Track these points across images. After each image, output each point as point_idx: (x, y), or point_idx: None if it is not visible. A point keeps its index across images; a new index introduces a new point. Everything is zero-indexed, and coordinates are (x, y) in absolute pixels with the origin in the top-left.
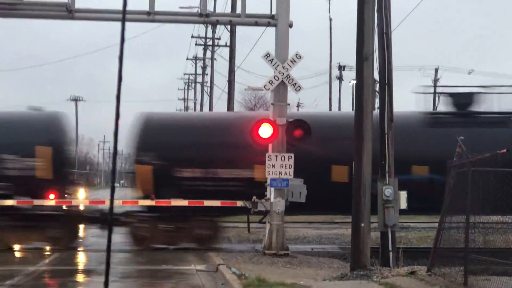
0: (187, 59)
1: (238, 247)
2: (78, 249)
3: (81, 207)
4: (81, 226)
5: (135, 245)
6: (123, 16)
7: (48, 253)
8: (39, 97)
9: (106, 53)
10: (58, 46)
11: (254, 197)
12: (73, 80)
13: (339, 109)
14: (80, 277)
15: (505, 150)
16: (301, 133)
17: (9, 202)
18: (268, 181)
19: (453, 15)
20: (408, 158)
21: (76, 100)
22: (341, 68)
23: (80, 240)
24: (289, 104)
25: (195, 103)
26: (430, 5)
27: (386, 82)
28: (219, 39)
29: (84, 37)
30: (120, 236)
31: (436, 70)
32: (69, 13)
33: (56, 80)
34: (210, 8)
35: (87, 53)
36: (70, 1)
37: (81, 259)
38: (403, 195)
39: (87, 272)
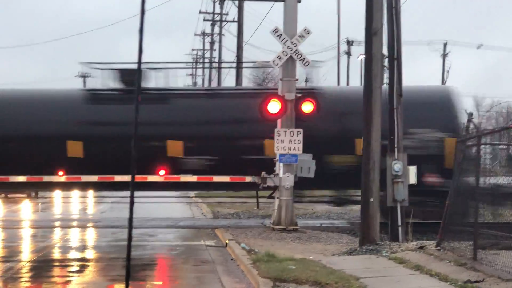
0: (195, 34)
1: (247, 222)
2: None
3: None
4: None
5: None
6: None
7: None
8: (53, 73)
9: (113, 29)
10: (71, 22)
11: (263, 173)
12: (84, 55)
13: (347, 84)
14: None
15: None
16: (310, 108)
17: None
18: (277, 157)
19: None
20: None
21: (84, 76)
22: (350, 43)
23: None
24: (297, 79)
25: (203, 79)
26: None
27: (395, 56)
28: (227, 14)
29: (94, 12)
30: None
31: (445, 45)
32: None
33: (69, 55)
34: None
35: (97, 28)
36: None
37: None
38: (412, 170)
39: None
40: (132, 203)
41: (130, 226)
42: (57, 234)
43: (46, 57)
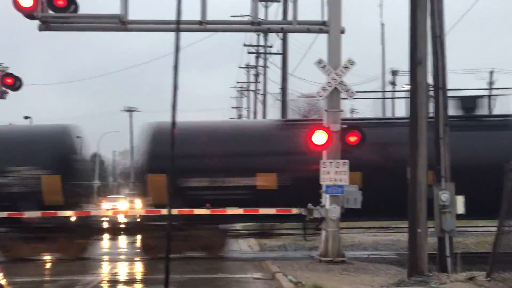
0: (239, 67)
1: (294, 254)
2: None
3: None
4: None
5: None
6: (178, 25)
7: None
8: (98, 107)
9: (160, 63)
10: (113, 56)
11: (310, 204)
12: (129, 90)
13: (393, 114)
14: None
15: None
16: (356, 140)
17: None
18: (323, 188)
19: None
20: None
21: (130, 110)
22: (394, 73)
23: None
24: (343, 111)
25: (248, 111)
26: (485, 6)
27: (440, 86)
28: (271, 46)
29: (139, 46)
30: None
31: (491, 73)
32: (122, 24)
33: (112, 90)
34: (261, 15)
35: (143, 63)
36: (123, 13)
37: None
38: (460, 199)
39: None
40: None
41: (168, 258)
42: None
43: (95, 92)
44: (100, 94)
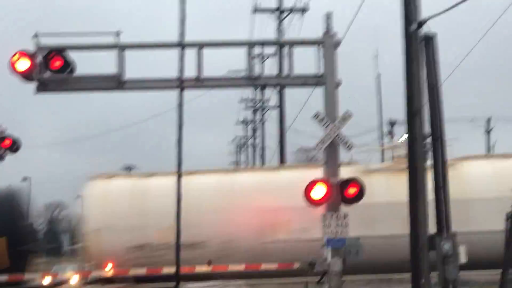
0: (236, 123)
1: None
2: None
3: None
4: None
5: None
6: (181, 84)
7: None
8: (98, 166)
9: (157, 120)
10: (110, 114)
11: (312, 258)
12: (126, 148)
13: None
14: None
15: None
16: (355, 191)
17: None
18: (324, 241)
19: (503, 62)
20: None
21: (129, 168)
22: (392, 123)
23: None
24: (341, 163)
25: (247, 166)
26: (480, 54)
27: (438, 135)
28: (268, 100)
29: (136, 101)
30: None
31: (489, 120)
32: (119, 84)
33: (111, 148)
34: (257, 70)
35: (139, 121)
36: (119, 72)
37: None
38: (462, 248)
39: None
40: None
41: None
42: None
43: (94, 151)
44: (99, 153)
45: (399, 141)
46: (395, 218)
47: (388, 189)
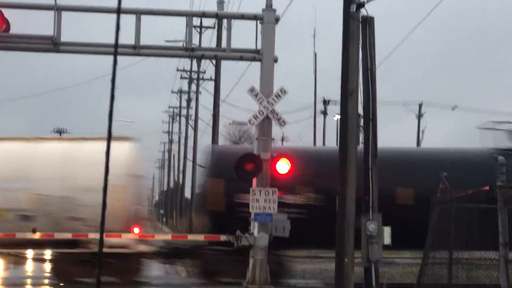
0: (172, 92)
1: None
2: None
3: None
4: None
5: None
6: (115, 50)
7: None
8: (30, 129)
9: (90, 86)
10: (44, 78)
11: (238, 231)
12: (59, 112)
13: (324, 143)
14: None
15: (488, 188)
16: (286, 168)
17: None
18: (252, 216)
19: (440, 50)
20: None
21: (60, 132)
22: (326, 102)
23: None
24: (273, 139)
25: (179, 137)
26: (417, 40)
27: (371, 117)
28: (204, 72)
29: (70, 69)
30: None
31: (420, 106)
32: (55, 46)
33: (42, 111)
34: (195, 41)
35: (72, 85)
36: (55, 34)
37: None
38: (387, 230)
39: None
40: (100, 263)
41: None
42: None
43: (28, 113)
44: (33, 115)
45: None
46: None
47: None
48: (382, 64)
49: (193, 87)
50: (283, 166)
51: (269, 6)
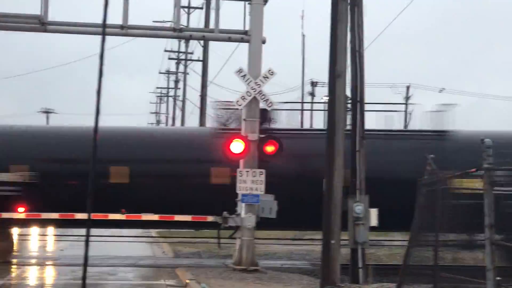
0: (159, 73)
1: (208, 262)
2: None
3: None
4: None
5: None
6: (104, 30)
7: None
8: (18, 108)
9: (77, 66)
10: (30, 58)
11: (225, 212)
12: (47, 92)
13: (311, 125)
14: None
15: (475, 170)
16: (273, 149)
17: None
18: (239, 197)
19: (429, 32)
20: None
21: (47, 112)
22: (314, 84)
23: None
24: (260, 120)
25: (167, 117)
26: (405, 23)
27: (358, 99)
28: (192, 53)
29: (58, 49)
30: None
31: (408, 88)
32: (42, 25)
33: (29, 92)
34: (183, 22)
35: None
36: (43, 14)
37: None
38: (374, 212)
39: None
40: (87, 241)
41: (85, 264)
42: (14, 272)
43: (15, 93)
44: (21, 95)
45: None
46: None
47: None
48: (370, 46)
49: (181, 68)
50: (270, 147)
51: None
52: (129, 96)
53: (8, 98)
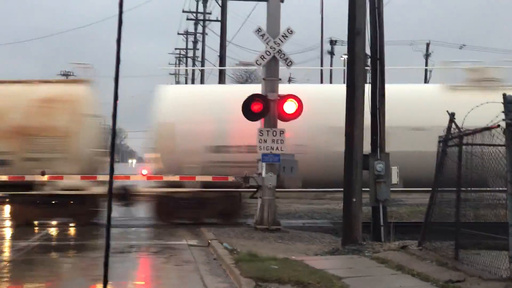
0: (178, 33)
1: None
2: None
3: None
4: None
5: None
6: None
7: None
8: (44, 70)
9: (100, 28)
10: (54, 18)
11: (246, 172)
12: (69, 54)
13: (331, 83)
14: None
15: (497, 125)
16: (294, 108)
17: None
18: (260, 156)
19: None
20: None
21: (66, 75)
22: (333, 42)
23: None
24: (280, 79)
25: (186, 78)
26: None
27: (378, 57)
28: (210, 13)
29: (79, 11)
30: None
31: (428, 45)
32: None
33: (51, 54)
34: None
35: (86, 25)
36: None
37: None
38: (395, 170)
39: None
40: (110, 199)
41: (109, 223)
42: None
43: (42, 54)
44: (47, 56)
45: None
46: None
47: None
48: (389, 3)
49: (200, 28)
50: (290, 106)
51: None
52: (150, 58)
53: (31, 60)
